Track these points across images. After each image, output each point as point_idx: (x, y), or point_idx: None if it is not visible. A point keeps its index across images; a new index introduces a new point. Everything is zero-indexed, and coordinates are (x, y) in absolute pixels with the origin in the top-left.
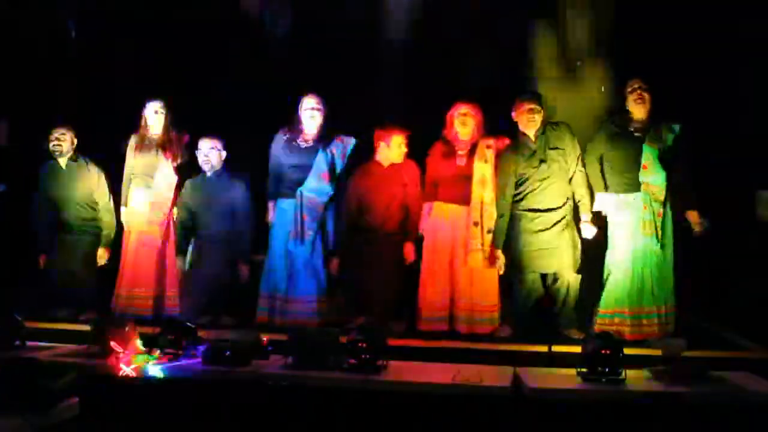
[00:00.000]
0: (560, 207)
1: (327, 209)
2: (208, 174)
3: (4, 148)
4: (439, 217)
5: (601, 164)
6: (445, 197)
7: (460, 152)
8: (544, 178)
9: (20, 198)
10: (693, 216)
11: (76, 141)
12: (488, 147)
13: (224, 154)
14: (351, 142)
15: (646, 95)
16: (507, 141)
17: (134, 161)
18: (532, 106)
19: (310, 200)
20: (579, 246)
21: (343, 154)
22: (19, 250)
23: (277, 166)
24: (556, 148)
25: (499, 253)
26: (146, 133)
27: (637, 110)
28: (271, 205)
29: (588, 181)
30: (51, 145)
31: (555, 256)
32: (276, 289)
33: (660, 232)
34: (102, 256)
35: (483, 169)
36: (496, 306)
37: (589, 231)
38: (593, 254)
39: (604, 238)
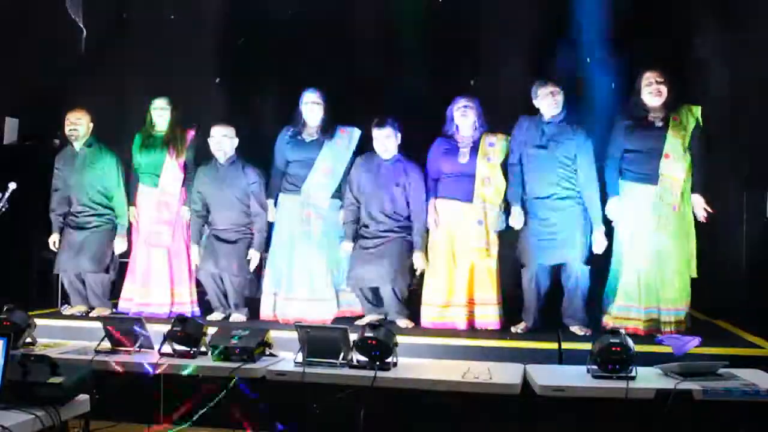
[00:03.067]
0: (566, 196)
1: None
2: (221, 161)
3: (14, 146)
4: (441, 214)
5: (620, 164)
6: (446, 194)
7: (462, 149)
8: (546, 161)
9: (29, 196)
10: (697, 199)
11: (92, 126)
12: (491, 145)
13: (236, 141)
14: (355, 132)
15: (663, 89)
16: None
17: (140, 159)
18: (553, 89)
19: (313, 195)
20: (589, 236)
21: (348, 145)
22: (28, 247)
23: (281, 164)
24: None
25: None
26: (151, 131)
27: (653, 102)
28: (271, 203)
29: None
30: (67, 129)
31: (563, 246)
32: (279, 287)
33: (673, 227)
34: (119, 244)
35: (486, 168)
36: (498, 302)
37: (600, 244)
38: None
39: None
